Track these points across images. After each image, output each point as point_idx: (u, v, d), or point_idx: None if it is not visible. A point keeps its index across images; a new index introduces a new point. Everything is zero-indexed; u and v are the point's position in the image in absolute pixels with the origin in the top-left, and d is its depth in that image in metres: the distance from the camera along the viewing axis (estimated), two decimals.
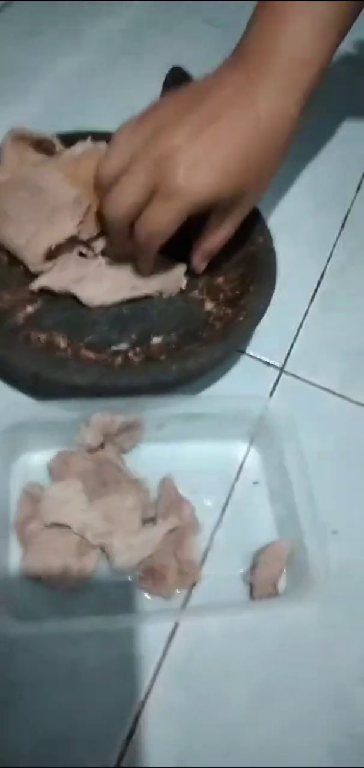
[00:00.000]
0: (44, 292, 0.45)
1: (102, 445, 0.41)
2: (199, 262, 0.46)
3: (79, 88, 0.68)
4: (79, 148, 0.49)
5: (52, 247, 0.45)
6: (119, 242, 0.44)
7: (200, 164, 0.38)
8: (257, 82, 0.38)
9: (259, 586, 0.38)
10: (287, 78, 0.39)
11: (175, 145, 0.38)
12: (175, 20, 0.79)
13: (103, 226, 0.44)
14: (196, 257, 0.46)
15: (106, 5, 0.78)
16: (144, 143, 0.39)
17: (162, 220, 0.39)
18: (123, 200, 0.40)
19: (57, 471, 0.40)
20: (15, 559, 0.37)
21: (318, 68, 0.39)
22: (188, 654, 0.36)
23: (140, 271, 0.46)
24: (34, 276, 0.45)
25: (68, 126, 0.53)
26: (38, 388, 0.42)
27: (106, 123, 0.54)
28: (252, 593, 0.38)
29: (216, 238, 0.44)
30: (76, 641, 0.36)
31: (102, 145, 0.50)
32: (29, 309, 0.44)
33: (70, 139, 0.50)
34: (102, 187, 0.42)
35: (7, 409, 0.39)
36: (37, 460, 0.41)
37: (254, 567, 0.38)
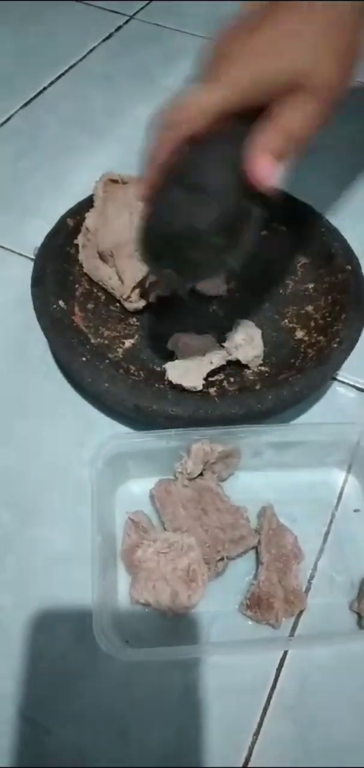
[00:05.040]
0: (140, 327, 0.47)
1: (201, 474, 0.42)
2: (262, 151, 0.33)
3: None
4: None
5: (146, 285, 0.47)
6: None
7: (244, 47, 0.33)
8: None
9: None
10: None
11: (218, 43, 0.34)
12: None
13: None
14: (259, 143, 0.33)
15: (175, 46, 0.82)
16: None
17: (187, 109, 0.33)
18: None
19: (159, 498, 0.41)
20: (124, 586, 0.39)
21: None
22: (299, 684, 0.36)
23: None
24: (130, 313, 0.47)
25: None
26: (138, 418, 0.43)
27: None
28: (361, 622, 0.37)
29: (281, 123, 0.33)
30: (187, 668, 0.36)
31: None
32: (127, 344, 0.46)
33: None
34: None
35: (110, 440, 0.40)
36: (138, 488, 0.43)
37: (360, 596, 0.38)
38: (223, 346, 0.45)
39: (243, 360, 0.45)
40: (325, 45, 0.34)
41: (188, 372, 0.43)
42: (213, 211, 0.33)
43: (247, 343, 0.45)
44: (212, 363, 0.44)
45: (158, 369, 0.45)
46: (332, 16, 0.34)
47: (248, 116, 0.33)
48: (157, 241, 0.35)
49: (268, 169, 0.33)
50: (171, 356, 0.45)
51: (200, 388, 0.43)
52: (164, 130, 0.34)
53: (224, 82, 0.33)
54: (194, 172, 0.33)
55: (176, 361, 0.44)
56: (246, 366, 0.45)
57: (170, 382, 0.43)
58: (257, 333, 0.46)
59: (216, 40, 0.35)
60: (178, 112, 0.34)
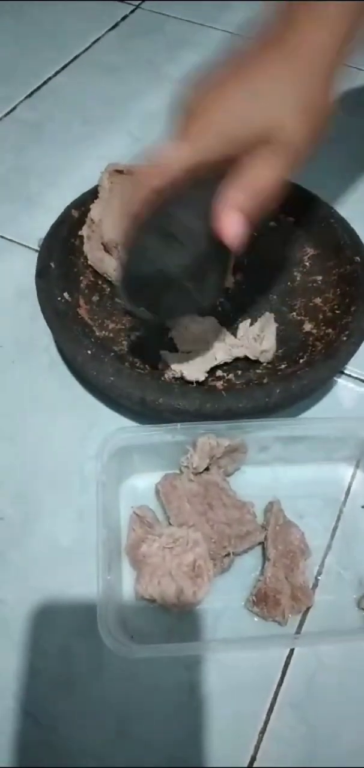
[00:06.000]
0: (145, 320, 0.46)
1: (207, 468, 0.41)
2: (230, 209, 0.34)
3: (161, 124, 0.70)
4: None
5: None
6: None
7: (214, 101, 0.34)
8: (290, 22, 0.34)
9: None
10: (325, 9, 0.33)
11: (190, 97, 0.35)
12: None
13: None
14: (226, 201, 0.34)
15: (180, 36, 0.81)
16: None
17: (160, 163, 0.35)
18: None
19: (165, 493, 0.40)
20: (128, 581, 0.38)
21: None
22: (306, 682, 0.35)
23: None
24: None
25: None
26: (144, 412, 0.42)
27: None
28: None
29: (248, 180, 0.34)
30: (192, 665, 0.36)
31: None
32: (132, 337, 0.46)
33: None
34: None
35: (115, 434, 0.40)
36: (143, 482, 0.42)
37: None
38: (235, 337, 0.45)
39: (252, 356, 0.44)
40: (294, 101, 0.33)
41: (190, 363, 0.42)
42: (184, 257, 0.35)
43: (259, 338, 0.44)
44: (216, 359, 0.44)
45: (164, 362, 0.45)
46: (302, 69, 0.33)
47: (221, 165, 0.34)
48: (133, 285, 0.38)
49: (235, 227, 0.34)
50: (170, 341, 0.45)
51: (202, 380, 0.42)
52: (139, 186, 0.36)
53: (192, 141, 0.34)
54: (167, 220, 0.35)
55: (178, 352, 0.44)
56: (256, 361, 0.44)
57: (167, 367, 0.43)
58: (271, 327, 0.45)
59: (187, 92, 0.36)
60: (150, 171, 0.35)
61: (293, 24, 0.34)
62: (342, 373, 0.48)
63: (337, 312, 0.46)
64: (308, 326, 0.47)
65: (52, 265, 0.46)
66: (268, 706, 0.35)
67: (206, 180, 0.34)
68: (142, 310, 0.38)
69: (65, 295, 0.45)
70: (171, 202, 0.34)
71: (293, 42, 0.33)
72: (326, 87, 0.34)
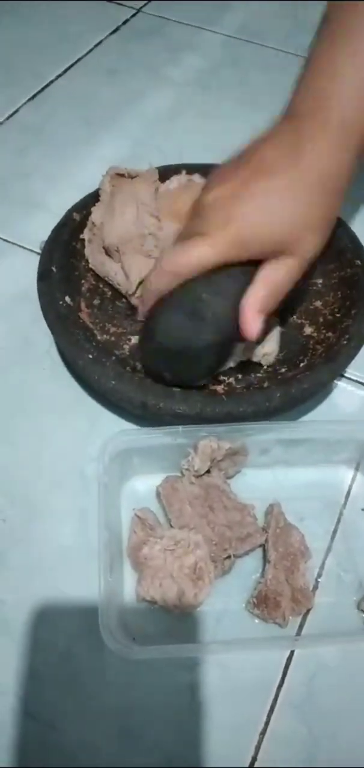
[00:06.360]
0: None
1: (208, 471, 0.41)
2: (252, 312, 0.38)
3: (162, 127, 0.70)
4: (174, 182, 0.51)
5: None
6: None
7: (239, 212, 0.37)
8: (307, 139, 0.38)
9: None
10: (339, 135, 0.38)
11: (215, 197, 0.38)
12: (250, 54, 0.80)
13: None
14: (249, 305, 0.38)
15: (182, 39, 0.82)
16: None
17: (188, 260, 0.39)
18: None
19: (166, 495, 0.41)
20: (130, 583, 0.38)
21: None
22: (306, 684, 0.36)
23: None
24: (136, 309, 0.47)
25: (154, 164, 0.54)
26: (144, 416, 0.43)
27: (190, 160, 0.56)
28: None
29: (268, 286, 0.39)
30: (193, 667, 0.36)
31: (197, 178, 0.51)
32: (133, 340, 0.46)
33: (162, 173, 0.52)
34: None
35: (116, 436, 0.40)
36: (144, 484, 0.42)
37: None
38: None
39: (254, 359, 0.44)
40: (310, 220, 0.38)
41: None
42: (211, 337, 0.40)
43: (262, 341, 0.44)
44: None
45: None
46: (316, 191, 0.37)
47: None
48: (158, 354, 0.42)
49: (255, 326, 0.39)
50: None
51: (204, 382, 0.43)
52: (165, 271, 0.40)
53: (214, 245, 0.38)
54: (198, 303, 0.39)
55: None
56: (258, 364, 0.45)
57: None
58: (275, 331, 0.45)
59: (213, 184, 0.39)
60: (177, 260, 0.39)
61: (306, 141, 0.37)
62: (342, 376, 0.48)
63: (337, 315, 0.46)
64: (308, 330, 0.47)
65: (54, 268, 0.46)
66: (268, 707, 0.35)
67: (230, 272, 0.39)
68: (165, 374, 0.42)
69: (66, 298, 0.45)
70: (200, 287, 0.39)
71: (307, 162, 0.37)
72: (338, 201, 0.39)
